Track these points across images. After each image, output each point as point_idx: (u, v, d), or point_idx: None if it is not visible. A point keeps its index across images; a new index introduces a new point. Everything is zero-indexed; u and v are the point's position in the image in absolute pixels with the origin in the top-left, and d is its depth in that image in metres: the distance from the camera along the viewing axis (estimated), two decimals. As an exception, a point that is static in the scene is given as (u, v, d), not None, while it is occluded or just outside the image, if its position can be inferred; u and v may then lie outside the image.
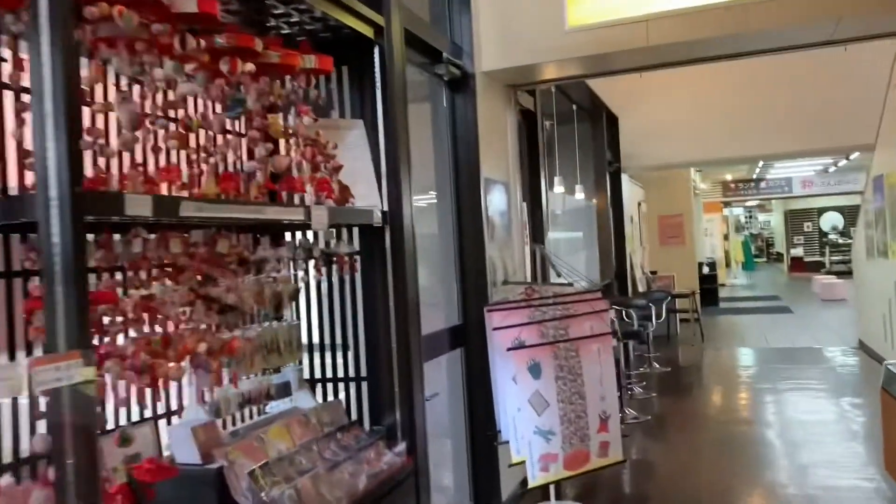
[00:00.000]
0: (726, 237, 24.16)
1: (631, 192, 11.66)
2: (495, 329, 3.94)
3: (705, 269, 16.11)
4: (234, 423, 2.43)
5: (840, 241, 25.22)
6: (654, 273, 12.02)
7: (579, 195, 8.84)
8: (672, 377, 8.42)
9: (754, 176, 21.76)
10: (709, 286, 15.96)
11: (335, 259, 2.58)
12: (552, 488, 4.28)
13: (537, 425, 3.88)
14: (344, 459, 2.25)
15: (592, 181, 9.51)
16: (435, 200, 4.32)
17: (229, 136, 2.26)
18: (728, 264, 23.59)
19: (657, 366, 8.75)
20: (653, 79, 6.54)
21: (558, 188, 7.87)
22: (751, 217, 39.64)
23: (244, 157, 2.27)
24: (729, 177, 22.12)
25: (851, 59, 9.37)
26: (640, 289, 10.93)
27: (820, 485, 4.67)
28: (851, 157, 15.00)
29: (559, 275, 5.39)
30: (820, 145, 9.82)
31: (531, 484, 3.94)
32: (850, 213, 25.75)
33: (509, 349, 3.86)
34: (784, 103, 9.75)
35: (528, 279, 5.27)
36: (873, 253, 8.35)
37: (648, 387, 7.86)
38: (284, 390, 2.42)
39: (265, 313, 2.38)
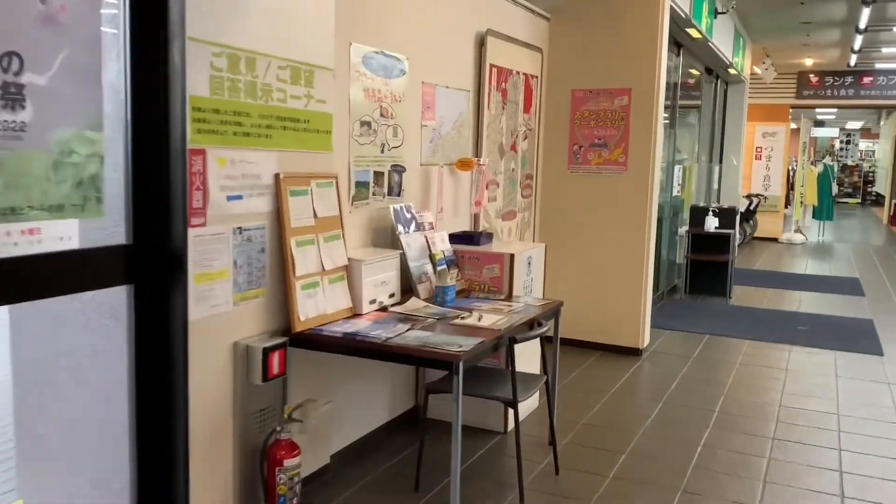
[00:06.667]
0: (805, 164, 15.30)
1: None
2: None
3: (711, 224, 7.98)
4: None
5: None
6: (482, 235, 4.19)
7: None
8: None
9: (852, 63, 12.80)
10: (709, 259, 7.94)
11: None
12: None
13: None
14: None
15: None
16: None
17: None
18: (787, 205, 15.04)
19: None
20: None
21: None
22: (849, 142, 29.64)
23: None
24: (809, 62, 13.29)
25: None
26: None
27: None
28: None
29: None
30: None
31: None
32: None
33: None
34: None
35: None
36: None
37: None
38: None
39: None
